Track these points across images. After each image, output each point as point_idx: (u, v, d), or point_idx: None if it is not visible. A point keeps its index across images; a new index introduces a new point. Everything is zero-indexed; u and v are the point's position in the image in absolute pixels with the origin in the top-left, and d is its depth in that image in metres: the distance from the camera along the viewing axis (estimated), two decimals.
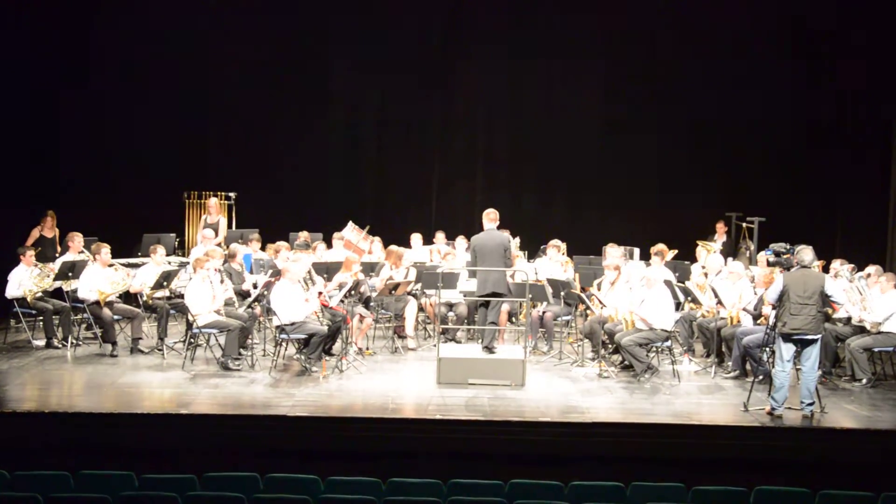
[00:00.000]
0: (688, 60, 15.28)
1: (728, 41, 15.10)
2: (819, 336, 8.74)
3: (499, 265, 10.14)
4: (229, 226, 14.48)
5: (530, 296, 10.67)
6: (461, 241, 12.89)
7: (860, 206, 14.55)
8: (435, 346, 10.52)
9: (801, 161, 15.15)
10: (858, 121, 14.77)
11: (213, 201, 13.89)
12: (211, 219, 13.62)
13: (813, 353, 8.73)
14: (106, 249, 10.99)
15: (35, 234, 12.34)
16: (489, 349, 10.12)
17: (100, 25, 14.48)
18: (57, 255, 12.13)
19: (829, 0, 14.69)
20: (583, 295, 11.08)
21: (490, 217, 10.39)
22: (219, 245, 12.69)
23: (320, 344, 10.04)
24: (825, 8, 14.64)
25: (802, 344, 8.72)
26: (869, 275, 10.55)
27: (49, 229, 12.49)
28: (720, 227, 14.29)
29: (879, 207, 14.04)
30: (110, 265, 11.07)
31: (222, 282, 10.65)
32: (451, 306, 11.70)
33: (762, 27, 15.08)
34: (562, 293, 11.16)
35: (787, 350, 8.76)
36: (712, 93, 15.23)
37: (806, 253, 8.84)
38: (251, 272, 11.84)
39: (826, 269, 11.12)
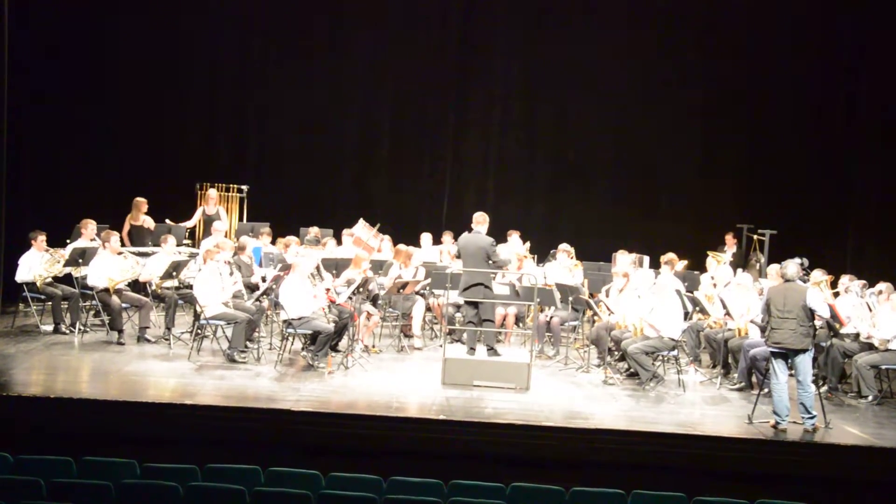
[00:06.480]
0: (699, 69, 15.27)
1: (738, 48, 15.07)
2: (803, 349, 8.59)
3: (479, 268, 10.08)
4: (240, 218, 14.50)
5: (538, 300, 10.66)
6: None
7: (873, 222, 14.46)
8: (441, 346, 10.52)
9: (813, 174, 15.08)
10: (873, 133, 14.69)
11: (212, 192, 13.88)
12: (209, 209, 13.64)
13: (802, 368, 8.64)
14: (115, 237, 11.06)
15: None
16: (491, 349, 10.12)
17: (116, 21, 14.48)
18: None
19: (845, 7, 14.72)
20: (591, 301, 11.06)
21: (477, 220, 10.33)
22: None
23: (327, 342, 10.06)
24: (844, 15, 14.67)
25: (789, 358, 8.67)
26: (880, 292, 10.50)
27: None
28: (730, 238, 14.23)
29: (892, 223, 13.96)
30: (119, 253, 11.11)
31: (231, 274, 10.68)
32: (458, 307, 11.68)
33: (778, 34, 15.02)
34: (570, 298, 11.14)
35: (777, 363, 8.74)
36: (725, 102, 15.20)
37: (790, 266, 8.80)
38: (261, 265, 11.87)
39: (835, 285, 11.08)
